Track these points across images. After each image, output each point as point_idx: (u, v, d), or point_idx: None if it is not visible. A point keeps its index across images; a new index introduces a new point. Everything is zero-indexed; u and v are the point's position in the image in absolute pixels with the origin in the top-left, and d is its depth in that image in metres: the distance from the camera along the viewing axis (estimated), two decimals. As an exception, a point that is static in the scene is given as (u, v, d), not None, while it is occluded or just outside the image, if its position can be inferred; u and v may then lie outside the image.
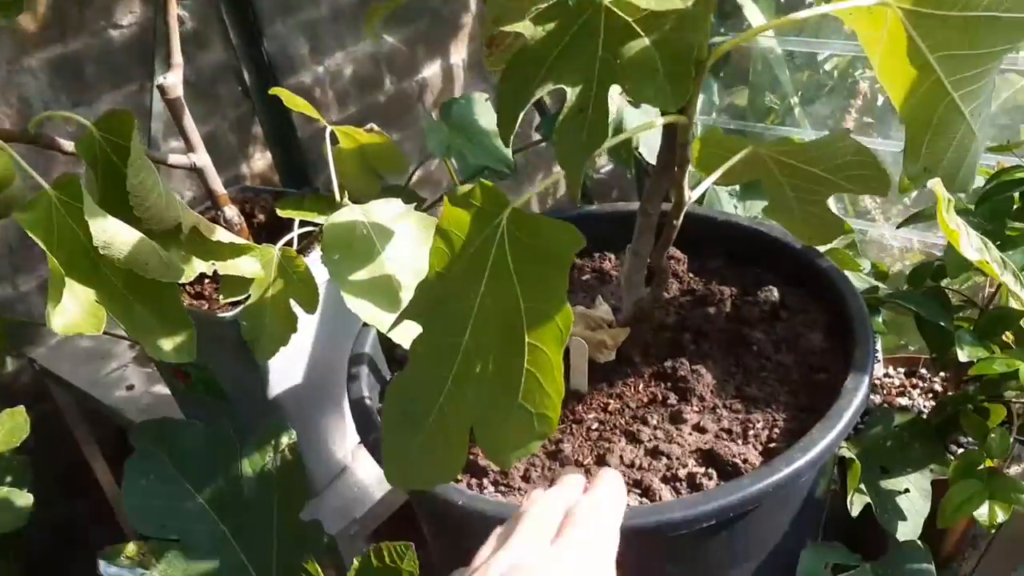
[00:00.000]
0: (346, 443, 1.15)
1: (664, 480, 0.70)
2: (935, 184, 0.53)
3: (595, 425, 0.77)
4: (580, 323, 0.83)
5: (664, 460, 0.72)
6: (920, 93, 0.66)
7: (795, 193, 0.76)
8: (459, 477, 0.74)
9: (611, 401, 0.78)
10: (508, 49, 0.68)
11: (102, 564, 0.77)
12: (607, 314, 0.84)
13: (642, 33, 0.52)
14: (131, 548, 0.78)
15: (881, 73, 0.67)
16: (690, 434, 0.74)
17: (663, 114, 0.65)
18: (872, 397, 0.97)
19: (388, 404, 0.61)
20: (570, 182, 0.57)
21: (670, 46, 0.51)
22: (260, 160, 1.79)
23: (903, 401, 0.95)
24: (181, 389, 1.11)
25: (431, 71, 2.05)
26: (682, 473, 0.70)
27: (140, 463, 0.82)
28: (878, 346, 0.97)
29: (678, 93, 0.50)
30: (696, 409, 0.76)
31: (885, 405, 0.95)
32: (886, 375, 1.00)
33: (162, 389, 1.28)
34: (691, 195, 0.70)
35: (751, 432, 0.73)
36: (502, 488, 0.72)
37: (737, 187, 1.12)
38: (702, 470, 0.70)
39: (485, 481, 0.73)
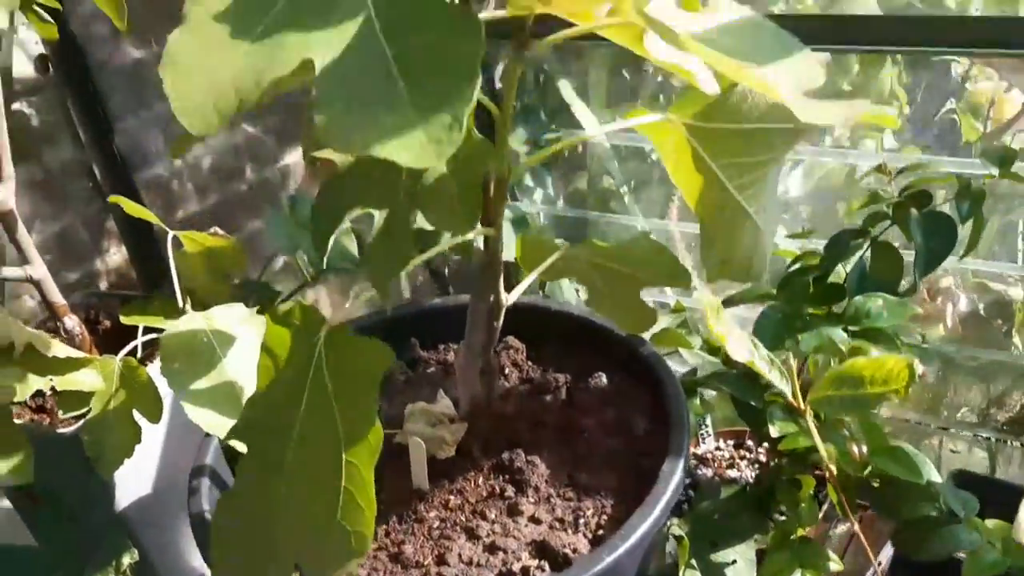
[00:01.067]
0: (202, 549, 1.13)
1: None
2: (702, 296, 0.59)
3: (436, 523, 0.79)
4: (421, 419, 0.86)
5: (501, 555, 0.74)
6: (708, 195, 0.73)
7: (608, 288, 0.82)
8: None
9: (452, 497, 0.81)
10: (329, 169, 0.71)
11: None
12: (448, 408, 0.87)
13: (439, 163, 0.57)
14: None
15: (675, 177, 0.74)
16: (526, 526, 0.77)
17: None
18: (704, 471, 1.03)
19: (217, 525, 0.62)
20: (382, 296, 0.60)
21: (462, 175, 0.55)
22: (116, 255, 1.76)
23: (732, 473, 1.02)
24: (28, 508, 1.07)
25: (293, 158, 2.07)
26: (517, 568, 0.73)
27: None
28: (708, 421, 1.04)
29: (469, 219, 0.54)
30: (532, 500, 0.80)
31: (715, 478, 1.01)
32: (717, 448, 1.06)
33: (8, 504, 1.23)
34: (509, 297, 0.74)
35: (582, 520, 0.77)
36: (343, 592, 0.73)
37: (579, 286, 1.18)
38: (535, 563, 0.73)
39: (327, 586, 0.74)
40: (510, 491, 0.80)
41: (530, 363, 0.98)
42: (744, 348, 0.58)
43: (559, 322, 0.99)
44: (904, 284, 0.90)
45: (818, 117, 0.45)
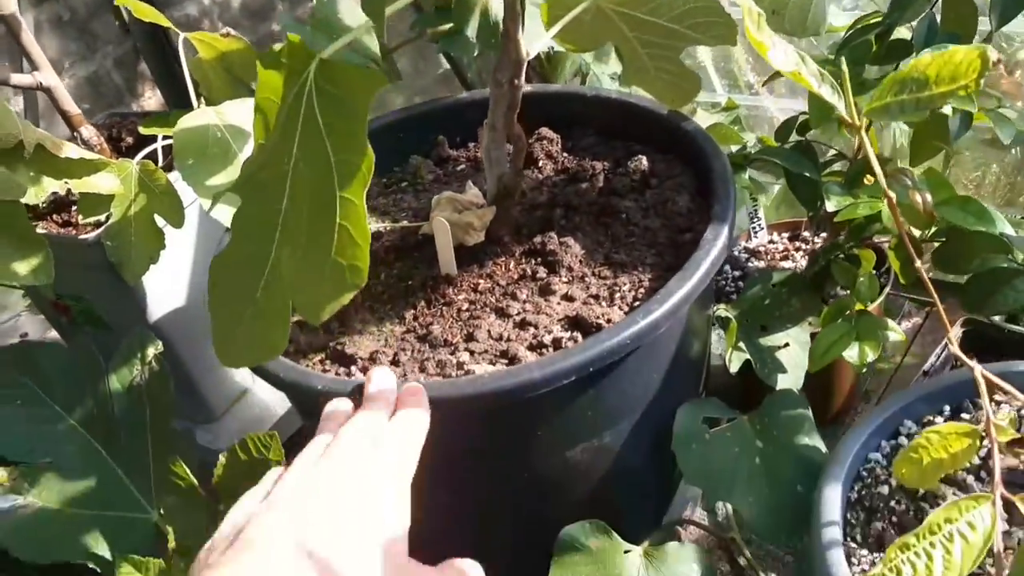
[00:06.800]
0: (245, 367, 1.12)
1: (530, 348, 0.69)
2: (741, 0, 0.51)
3: (465, 306, 0.75)
4: (448, 207, 0.81)
5: (531, 330, 0.70)
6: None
7: (646, 50, 0.74)
8: (327, 368, 0.72)
9: (481, 281, 0.77)
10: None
11: (-30, 493, 0.74)
12: (476, 197, 0.82)
13: None
14: (0, 474, 0.75)
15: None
16: (558, 304, 0.73)
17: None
18: (756, 264, 0.97)
19: (213, 285, 0.59)
20: (378, 31, 0.54)
21: None
22: (151, 99, 1.72)
23: (787, 264, 0.95)
24: (65, 325, 1.07)
25: (326, -2, 1.98)
26: (548, 339, 0.69)
27: (4, 391, 0.79)
28: (760, 214, 0.97)
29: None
30: (565, 280, 0.75)
31: (768, 269, 0.94)
32: (771, 241, 0.99)
33: (56, 336, 1.24)
34: (529, 51, 0.67)
35: (617, 295, 0.72)
36: (370, 374, 0.70)
37: (618, 71, 1.10)
38: (567, 334, 0.69)
39: (353, 368, 0.71)
40: (542, 272, 0.76)
41: (566, 154, 0.91)
42: (790, 59, 0.50)
43: (596, 108, 0.92)
44: (976, 40, 0.80)
45: None
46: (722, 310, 0.81)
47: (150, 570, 0.68)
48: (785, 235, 1.00)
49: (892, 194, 0.53)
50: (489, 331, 0.71)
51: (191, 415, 1.10)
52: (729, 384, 0.97)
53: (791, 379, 0.78)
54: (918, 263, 0.55)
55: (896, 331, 0.71)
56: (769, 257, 0.97)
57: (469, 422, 0.69)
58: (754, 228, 0.97)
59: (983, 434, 0.52)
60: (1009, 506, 0.50)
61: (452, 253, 0.77)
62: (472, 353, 0.69)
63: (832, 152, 0.87)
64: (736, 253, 0.99)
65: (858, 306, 0.74)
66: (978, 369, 0.53)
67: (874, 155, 0.53)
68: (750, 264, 0.96)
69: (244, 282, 0.57)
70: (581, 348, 0.63)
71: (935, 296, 0.55)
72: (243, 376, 1.12)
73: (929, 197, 0.62)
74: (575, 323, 0.70)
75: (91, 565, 0.73)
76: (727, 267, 0.97)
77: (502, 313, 0.73)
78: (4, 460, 0.76)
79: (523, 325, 0.71)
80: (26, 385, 0.79)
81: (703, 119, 1.11)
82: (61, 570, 0.74)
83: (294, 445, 1.11)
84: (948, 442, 0.53)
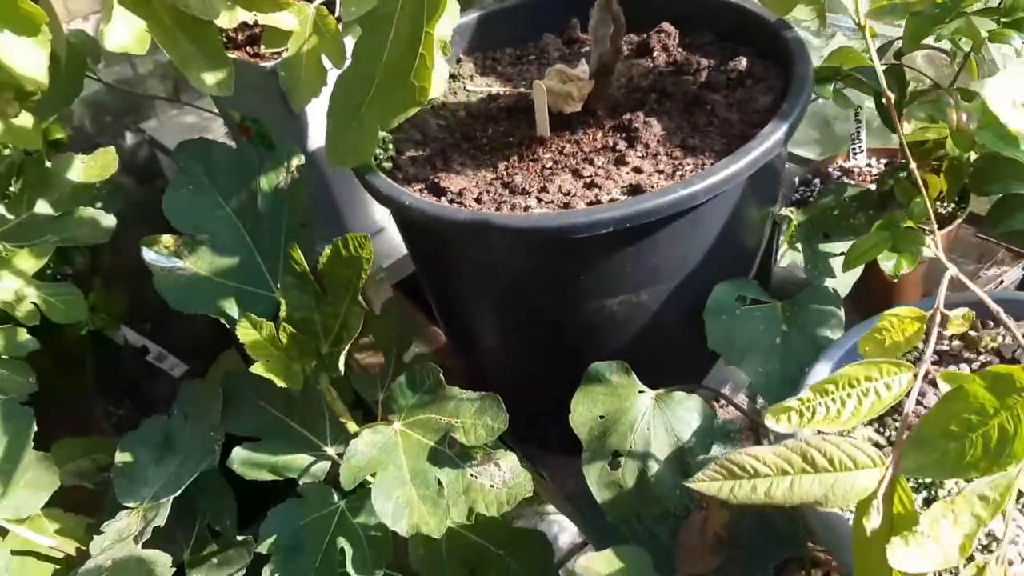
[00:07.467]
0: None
1: (588, 204, 0.79)
2: None
3: (549, 164, 0.86)
4: (554, 77, 0.91)
5: (595, 191, 0.80)
6: None
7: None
8: (423, 195, 0.85)
9: (568, 145, 0.87)
10: None
11: (144, 250, 0.94)
12: (583, 72, 0.92)
13: None
14: (168, 239, 0.94)
15: None
16: (627, 173, 0.82)
17: None
18: (847, 182, 1.01)
19: (335, 99, 0.73)
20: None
21: None
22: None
23: (874, 188, 0.98)
24: (244, 144, 1.27)
25: None
26: (604, 199, 0.79)
27: (182, 175, 0.97)
28: (862, 135, 1.00)
29: None
30: (639, 155, 0.84)
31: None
32: (867, 164, 1.03)
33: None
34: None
35: (679, 172, 0.80)
36: (456, 203, 0.83)
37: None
38: (623, 198, 0.79)
39: (443, 199, 0.84)
40: (622, 145, 0.85)
41: (680, 49, 0.99)
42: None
43: (715, 10, 0.98)
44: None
45: None
46: (787, 212, 0.88)
47: (263, 328, 0.85)
48: (883, 160, 1.03)
49: (890, 94, 0.59)
50: (560, 186, 0.82)
51: (330, 237, 1.27)
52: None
53: (839, 284, 0.84)
54: (913, 166, 0.61)
55: (932, 249, 0.75)
56: (860, 178, 1.00)
57: (526, 253, 0.81)
58: (853, 149, 1.00)
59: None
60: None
61: (547, 116, 0.87)
62: (540, 201, 0.81)
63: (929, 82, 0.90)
64: (830, 169, 1.03)
65: (907, 223, 0.79)
66: (952, 269, 0.59)
67: (878, 59, 0.59)
68: (840, 181, 1.01)
69: (355, 97, 0.70)
70: (623, 204, 0.73)
71: (931, 215, 0.61)
72: (381, 216, 1.29)
73: (966, 118, 0.66)
74: (634, 190, 0.79)
75: (222, 320, 0.91)
76: (816, 180, 1.02)
77: (576, 174, 0.83)
78: (172, 230, 0.96)
79: (590, 186, 0.81)
80: (199, 174, 0.97)
81: (839, 43, 1.14)
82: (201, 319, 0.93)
83: (407, 283, 1.27)
84: (904, 325, 0.59)
